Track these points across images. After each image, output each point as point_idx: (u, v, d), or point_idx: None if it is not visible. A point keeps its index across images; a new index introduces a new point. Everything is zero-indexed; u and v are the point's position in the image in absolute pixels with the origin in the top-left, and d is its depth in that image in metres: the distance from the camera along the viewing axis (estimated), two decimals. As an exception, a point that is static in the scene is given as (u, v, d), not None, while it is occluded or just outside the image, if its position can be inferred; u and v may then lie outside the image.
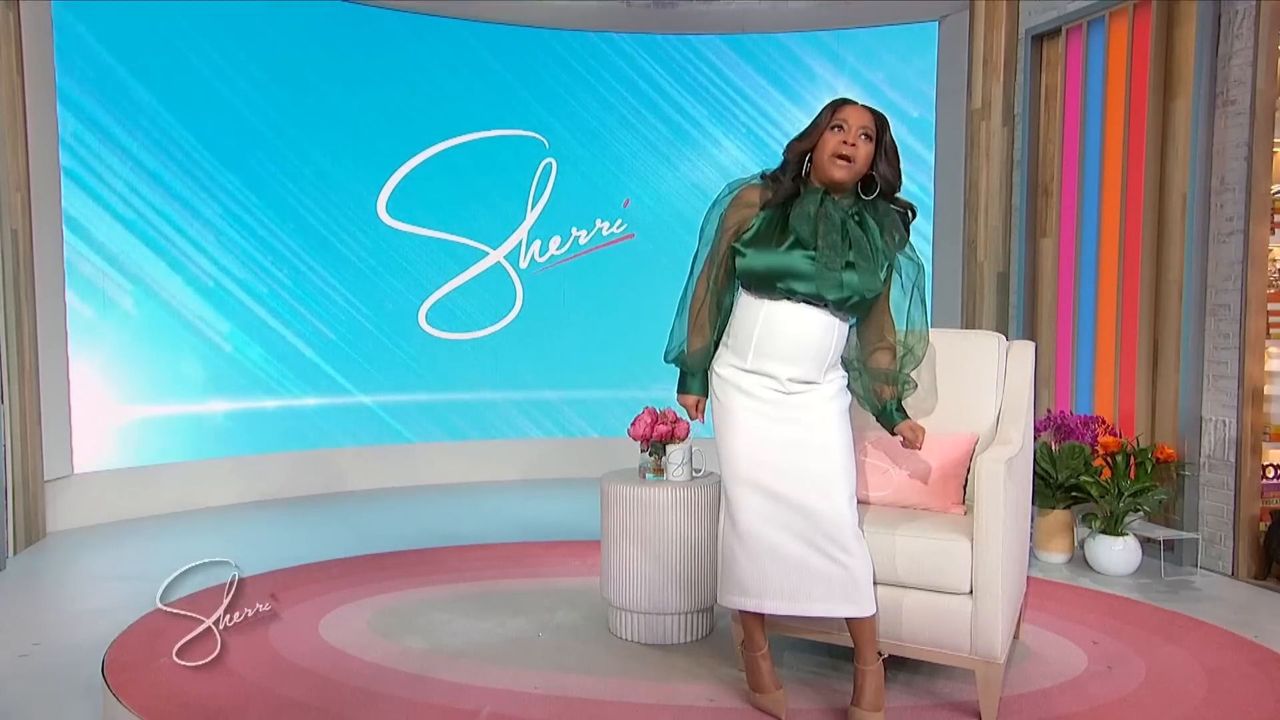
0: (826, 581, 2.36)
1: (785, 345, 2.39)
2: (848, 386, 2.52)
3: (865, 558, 2.40)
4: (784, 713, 2.49)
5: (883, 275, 2.41)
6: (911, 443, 2.54)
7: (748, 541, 2.41)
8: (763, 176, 2.47)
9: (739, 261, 2.42)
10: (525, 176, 6.27)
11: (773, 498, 2.40)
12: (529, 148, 6.26)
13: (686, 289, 2.56)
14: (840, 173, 2.34)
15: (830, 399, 2.45)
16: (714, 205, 2.50)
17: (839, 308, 2.39)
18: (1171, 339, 4.26)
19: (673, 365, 2.64)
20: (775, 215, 2.41)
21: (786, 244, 2.36)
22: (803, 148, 2.39)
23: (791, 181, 2.40)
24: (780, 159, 2.45)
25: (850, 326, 2.48)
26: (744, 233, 2.42)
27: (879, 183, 2.39)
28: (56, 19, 4.75)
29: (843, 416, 2.47)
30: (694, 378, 2.60)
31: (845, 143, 2.32)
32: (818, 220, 2.35)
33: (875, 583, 2.45)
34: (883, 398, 2.53)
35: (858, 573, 2.36)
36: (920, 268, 2.48)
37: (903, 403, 2.57)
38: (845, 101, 2.39)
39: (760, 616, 2.52)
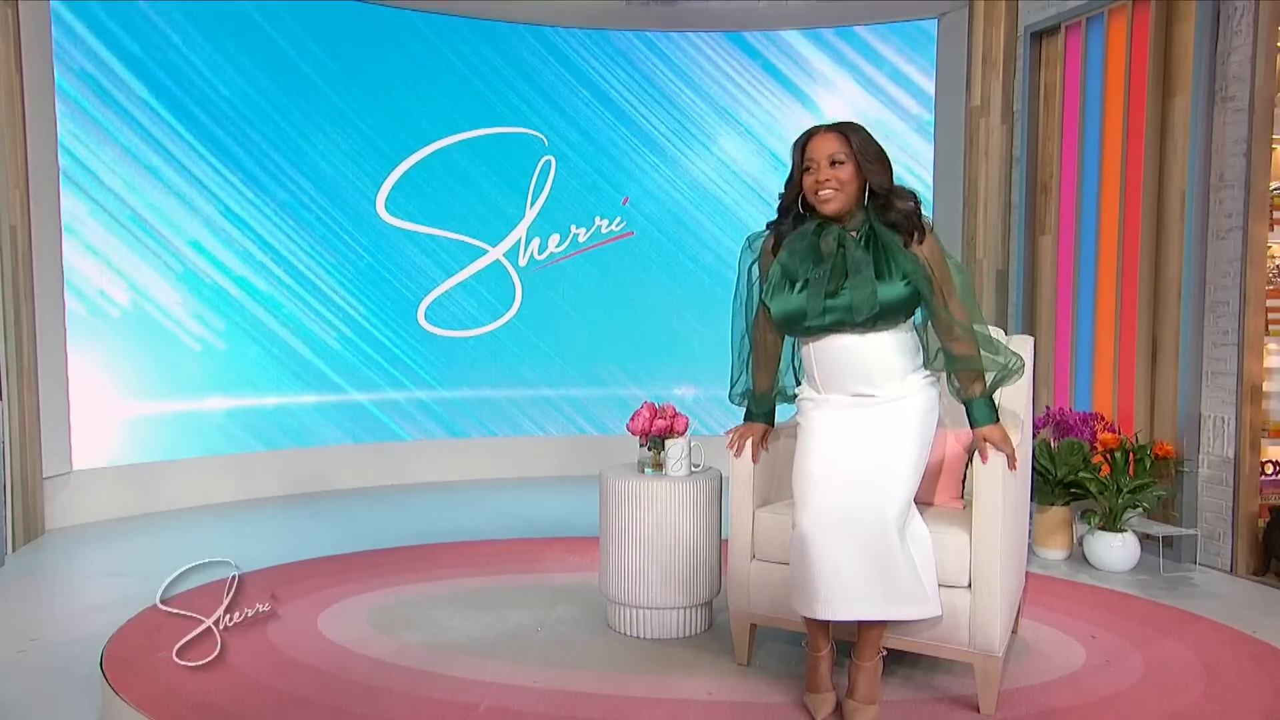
0: (870, 582, 2.33)
1: (844, 372, 2.42)
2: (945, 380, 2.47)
3: (912, 568, 2.35)
4: (820, 716, 2.44)
5: (904, 282, 2.34)
6: (983, 450, 2.43)
7: (805, 548, 2.37)
8: (768, 225, 2.56)
9: (770, 314, 2.50)
10: (524, 174, 6.27)
11: (833, 507, 2.36)
12: (528, 145, 6.26)
13: (733, 330, 2.67)
14: (829, 207, 2.37)
15: (913, 394, 2.40)
16: (741, 255, 2.63)
17: (869, 325, 2.36)
18: (1170, 336, 4.26)
19: (739, 405, 2.75)
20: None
21: (797, 287, 2.41)
22: (788, 198, 2.47)
23: (793, 223, 2.47)
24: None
25: (915, 326, 2.46)
26: (768, 284, 2.50)
27: (874, 188, 2.37)
28: (55, 15, 4.75)
29: (920, 423, 2.40)
30: (760, 414, 2.73)
31: (817, 181, 2.36)
32: (806, 253, 2.41)
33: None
34: (969, 392, 2.43)
35: (901, 580, 2.33)
36: (933, 275, 2.38)
37: (992, 399, 2.44)
38: (808, 136, 2.41)
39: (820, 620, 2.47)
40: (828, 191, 2.35)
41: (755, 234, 2.62)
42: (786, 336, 2.61)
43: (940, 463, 2.77)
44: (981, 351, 2.39)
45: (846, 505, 2.35)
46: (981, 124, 5.55)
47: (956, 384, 2.45)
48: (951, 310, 2.37)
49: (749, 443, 2.74)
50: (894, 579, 2.33)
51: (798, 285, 2.40)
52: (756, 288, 2.59)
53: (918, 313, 2.44)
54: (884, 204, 2.38)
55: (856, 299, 2.33)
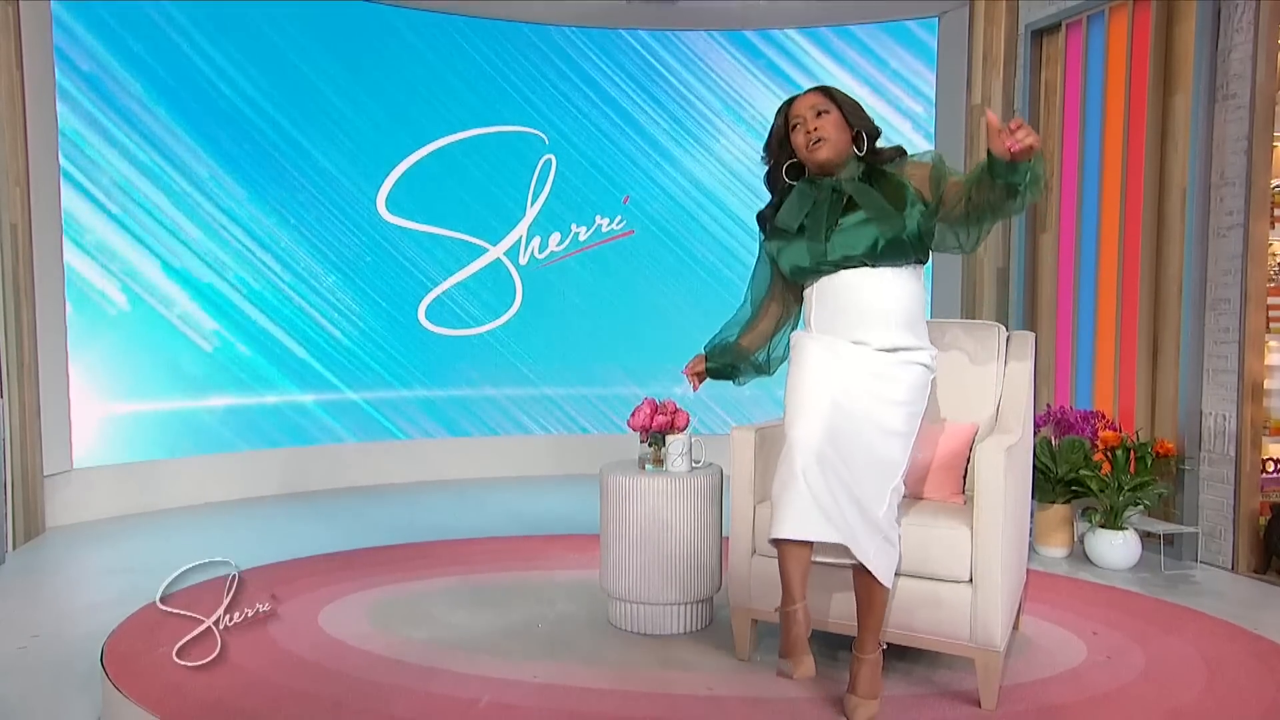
0: (854, 524, 2.31)
1: (843, 311, 2.44)
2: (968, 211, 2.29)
3: (892, 534, 2.36)
4: (796, 674, 2.28)
5: (911, 210, 2.38)
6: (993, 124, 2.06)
7: (798, 462, 2.29)
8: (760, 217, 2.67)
9: (780, 268, 2.59)
10: (525, 173, 6.27)
11: (830, 427, 2.32)
12: (529, 144, 6.26)
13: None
14: (822, 154, 2.45)
15: (911, 364, 2.41)
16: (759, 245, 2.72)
17: (874, 261, 2.39)
18: (1171, 334, 4.26)
19: (708, 353, 2.79)
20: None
21: (797, 234, 2.50)
22: (775, 168, 2.57)
23: (779, 196, 2.57)
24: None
25: (905, 271, 2.43)
26: (774, 243, 2.59)
27: (863, 133, 2.46)
28: (55, 15, 4.75)
29: (917, 394, 2.41)
30: (712, 358, 2.76)
31: (807, 131, 2.46)
32: (797, 203, 2.50)
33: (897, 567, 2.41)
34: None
35: (882, 536, 2.34)
36: (934, 170, 2.40)
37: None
38: (790, 100, 2.55)
39: (801, 563, 2.33)
40: (818, 141, 2.43)
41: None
42: (788, 312, 2.69)
43: (941, 458, 2.77)
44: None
45: (843, 445, 2.31)
46: (982, 123, 5.54)
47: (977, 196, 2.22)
48: (956, 182, 2.34)
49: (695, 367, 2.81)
50: (875, 525, 2.32)
51: (797, 231, 2.48)
52: (763, 266, 2.67)
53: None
54: (872, 150, 2.47)
55: (860, 233, 2.39)
